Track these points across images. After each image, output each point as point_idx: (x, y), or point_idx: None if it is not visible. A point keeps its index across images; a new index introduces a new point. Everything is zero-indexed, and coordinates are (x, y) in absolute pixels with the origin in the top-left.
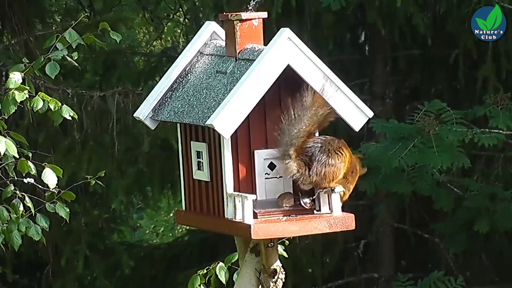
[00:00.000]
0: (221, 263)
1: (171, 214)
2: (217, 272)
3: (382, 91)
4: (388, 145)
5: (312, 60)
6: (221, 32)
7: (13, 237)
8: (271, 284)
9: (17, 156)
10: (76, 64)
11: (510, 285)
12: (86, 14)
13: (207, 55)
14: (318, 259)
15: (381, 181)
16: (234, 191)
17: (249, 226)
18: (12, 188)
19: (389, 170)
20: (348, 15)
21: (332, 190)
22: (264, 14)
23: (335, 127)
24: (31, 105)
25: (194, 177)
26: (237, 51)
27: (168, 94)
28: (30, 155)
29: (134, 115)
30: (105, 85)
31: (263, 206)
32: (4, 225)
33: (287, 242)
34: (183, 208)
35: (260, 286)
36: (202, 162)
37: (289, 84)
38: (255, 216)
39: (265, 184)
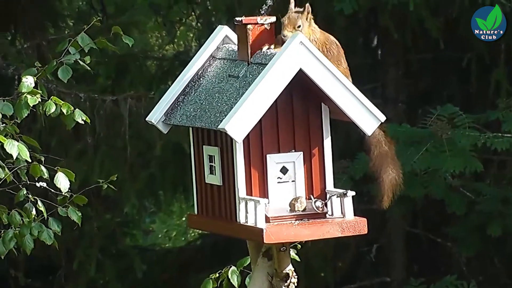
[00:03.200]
0: (233, 267)
1: (184, 218)
2: (229, 276)
3: (395, 95)
4: (400, 150)
5: (324, 64)
6: (234, 36)
7: (25, 241)
8: None
9: (30, 160)
10: (89, 68)
11: None
12: (99, 18)
13: (219, 59)
14: (330, 263)
15: None
16: (247, 195)
17: (262, 230)
18: (25, 192)
19: (402, 174)
20: (360, 19)
21: (345, 194)
22: (273, 19)
23: (347, 131)
24: (44, 109)
25: (206, 181)
26: (250, 55)
27: (180, 98)
28: (43, 159)
29: (147, 119)
30: (117, 89)
31: (275, 210)
32: (17, 229)
33: (300, 246)
34: (195, 212)
35: None
36: (215, 166)
37: (301, 88)
38: (267, 220)
39: (277, 188)
